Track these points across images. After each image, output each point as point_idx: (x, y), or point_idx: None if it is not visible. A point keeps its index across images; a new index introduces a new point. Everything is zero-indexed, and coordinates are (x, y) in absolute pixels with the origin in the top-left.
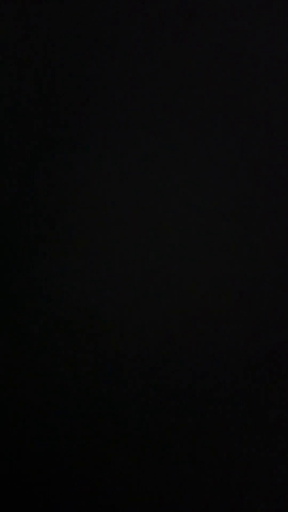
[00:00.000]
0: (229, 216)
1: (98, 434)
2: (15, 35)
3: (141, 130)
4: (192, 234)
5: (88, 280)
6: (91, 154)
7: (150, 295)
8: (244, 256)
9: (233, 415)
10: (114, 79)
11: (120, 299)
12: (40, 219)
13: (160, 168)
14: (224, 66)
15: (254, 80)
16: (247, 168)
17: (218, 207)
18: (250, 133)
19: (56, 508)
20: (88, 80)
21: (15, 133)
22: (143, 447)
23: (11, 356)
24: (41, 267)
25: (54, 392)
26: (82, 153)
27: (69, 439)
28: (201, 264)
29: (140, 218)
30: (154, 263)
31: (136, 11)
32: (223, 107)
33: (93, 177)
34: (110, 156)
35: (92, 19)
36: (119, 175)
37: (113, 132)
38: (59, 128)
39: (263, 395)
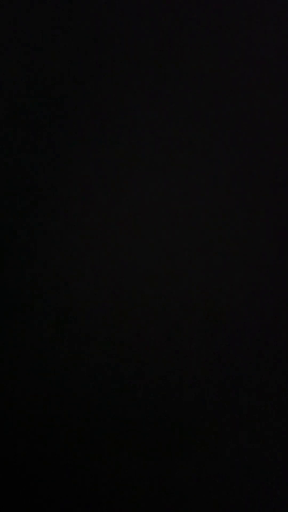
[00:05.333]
0: (228, 220)
1: (97, 434)
2: (15, 35)
3: (141, 129)
4: (191, 235)
5: (87, 280)
6: (90, 155)
7: (150, 295)
8: (243, 259)
9: (233, 415)
10: (114, 79)
11: (119, 300)
12: (39, 220)
13: (159, 169)
14: (224, 68)
15: (254, 81)
16: (247, 170)
17: (217, 208)
18: (249, 134)
19: (56, 507)
20: (88, 80)
21: (15, 133)
22: (143, 449)
23: (11, 356)
24: (40, 267)
25: (53, 391)
26: (81, 153)
27: (69, 437)
28: (200, 264)
29: (140, 218)
30: (153, 263)
31: (137, 11)
32: (223, 108)
33: (93, 179)
34: (110, 156)
35: (93, 19)
36: (118, 175)
37: (112, 132)
38: (59, 127)
39: (262, 398)
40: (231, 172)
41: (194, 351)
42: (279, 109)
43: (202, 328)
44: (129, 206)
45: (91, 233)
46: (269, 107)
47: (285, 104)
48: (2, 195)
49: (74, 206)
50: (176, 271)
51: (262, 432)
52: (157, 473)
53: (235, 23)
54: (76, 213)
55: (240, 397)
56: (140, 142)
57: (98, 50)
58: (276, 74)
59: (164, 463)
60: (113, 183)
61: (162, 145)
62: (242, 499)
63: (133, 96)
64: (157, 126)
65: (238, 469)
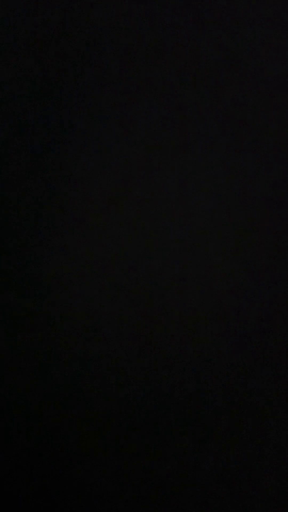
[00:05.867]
0: (228, 219)
1: (96, 435)
2: (16, 35)
3: (141, 131)
4: (191, 235)
5: (87, 284)
6: (90, 157)
7: (149, 295)
8: (243, 264)
9: (232, 422)
10: (115, 79)
11: (119, 304)
12: (40, 221)
13: (159, 170)
14: (224, 71)
15: (254, 80)
16: (247, 173)
17: (216, 210)
18: (250, 137)
19: (56, 507)
20: (88, 81)
21: (15, 133)
22: (143, 450)
23: (11, 356)
24: (40, 267)
25: (53, 391)
26: (82, 155)
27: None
28: (201, 268)
29: (140, 220)
30: (153, 266)
31: (137, 11)
32: (223, 110)
33: (93, 183)
34: (110, 158)
35: (93, 20)
36: (118, 175)
37: (113, 133)
38: (59, 127)
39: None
40: (230, 172)
41: (194, 350)
42: (280, 108)
43: (205, 325)
44: (129, 206)
45: (91, 233)
46: (269, 107)
47: (285, 104)
48: (2, 195)
49: (74, 206)
50: (176, 270)
51: (267, 430)
52: (166, 469)
53: (235, 24)
54: (76, 213)
55: (247, 394)
56: (140, 142)
57: (98, 49)
58: (277, 73)
59: (165, 463)
60: (113, 183)
61: (162, 145)
62: (246, 497)
63: (133, 96)
64: (157, 126)
65: (242, 470)
